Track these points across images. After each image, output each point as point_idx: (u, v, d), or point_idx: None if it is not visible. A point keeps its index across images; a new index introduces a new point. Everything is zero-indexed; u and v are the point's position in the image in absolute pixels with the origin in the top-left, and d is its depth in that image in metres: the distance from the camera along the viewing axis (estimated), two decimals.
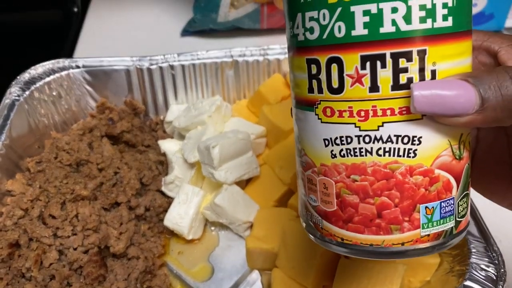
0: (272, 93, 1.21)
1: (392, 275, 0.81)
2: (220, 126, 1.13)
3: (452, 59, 0.43)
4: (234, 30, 1.64)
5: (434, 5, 0.43)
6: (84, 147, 1.07)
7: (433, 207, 0.48)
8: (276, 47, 1.27)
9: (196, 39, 1.67)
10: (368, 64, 0.44)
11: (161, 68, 1.25)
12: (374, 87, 0.45)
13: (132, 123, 1.20)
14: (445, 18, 0.43)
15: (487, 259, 0.81)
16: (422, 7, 0.43)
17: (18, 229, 0.91)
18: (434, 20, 0.43)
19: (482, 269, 0.79)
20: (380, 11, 0.43)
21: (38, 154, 1.12)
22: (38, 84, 1.18)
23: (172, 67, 1.25)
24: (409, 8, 0.43)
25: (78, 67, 1.22)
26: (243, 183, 1.08)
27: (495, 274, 0.78)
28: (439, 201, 0.48)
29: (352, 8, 0.44)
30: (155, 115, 1.31)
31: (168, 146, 1.13)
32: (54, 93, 1.20)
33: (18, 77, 1.18)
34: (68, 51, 1.56)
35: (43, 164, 1.05)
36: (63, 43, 1.59)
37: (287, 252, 0.90)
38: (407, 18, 0.43)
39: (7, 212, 0.94)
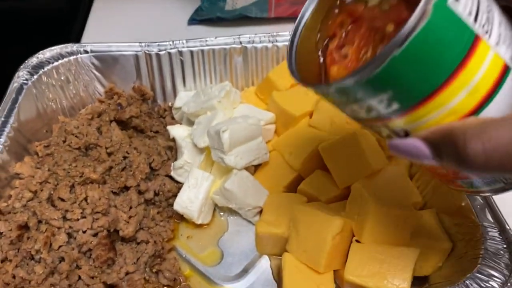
0: (282, 80, 1.20)
1: (405, 259, 0.80)
2: (229, 111, 1.12)
3: (420, 119, 0.47)
4: (241, 18, 1.63)
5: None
6: (93, 131, 1.06)
7: None
8: (285, 34, 1.26)
9: (203, 28, 1.66)
10: None
11: (169, 54, 1.24)
12: None
13: (140, 109, 1.19)
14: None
15: (501, 245, 0.80)
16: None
17: (27, 211, 0.91)
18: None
19: (497, 255, 0.78)
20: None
21: (46, 138, 1.11)
22: (46, 69, 1.17)
23: (180, 53, 1.24)
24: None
25: (86, 52, 1.22)
26: (252, 169, 1.08)
27: (511, 259, 0.77)
28: None
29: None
30: (163, 101, 1.30)
31: (177, 131, 1.12)
32: (62, 78, 1.19)
33: (26, 61, 1.18)
34: (75, 37, 1.55)
35: (51, 147, 1.04)
36: (70, 28, 1.59)
37: (298, 236, 0.89)
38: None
39: (16, 194, 0.94)
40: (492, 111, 0.47)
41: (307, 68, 0.61)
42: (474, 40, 0.44)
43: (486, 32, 0.45)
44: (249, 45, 1.25)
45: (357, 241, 0.86)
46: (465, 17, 0.43)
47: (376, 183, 0.95)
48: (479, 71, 0.45)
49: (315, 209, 0.89)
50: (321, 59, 0.61)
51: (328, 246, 0.84)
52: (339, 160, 0.97)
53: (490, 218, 0.84)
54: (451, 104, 0.45)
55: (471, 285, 0.73)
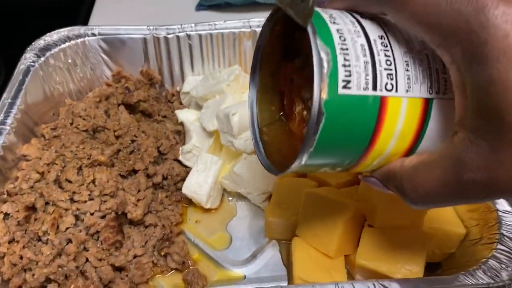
0: None
1: (418, 243, 0.79)
2: (238, 95, 1.11)
3: (371, 164, 0.52)
4: (250, 4, 1.61)
5: None
6: (101, 114, 1.05)
7: None
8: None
9: (211, 14, 1.64)
10: None
11: (178, 37, 1.22)
12: None
13: (148, 93, 1.18)
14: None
15: None
16: None
17: (34, 192, 0.90)
18: None
19: None
20: None
21: (53, 121, 1.10)
22: (53, 51, 1.15)
23: (189, 36, 1.22)
24: None
25: (94, 34, 1.20)
26: None
27: None
28: None
29: None
30: (171, 86, 1.28)
31: (185, 115, 1.10)
32: (69, 61, 1.18)
33: (33, 43, 1.16)
34: (82, 20, 1.54)
35: (58, 130, 1.03)
36: (78, 11, 1.57)
37: (308, 221, 0.88)
38: None
39: (23, 176, 0.93)
40: (426, 144, 0.51)
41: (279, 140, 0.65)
42: (380, 103, 0.47)
43: (391, 89, 0.47)
44: (258, 29, 1.23)
45: (369, 225, 0.84)
46: (362, 93, 0.46)
47: None
48: (398, 121, 0.48)
49: (326, 193, 0.87)
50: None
51: (340, 230, 0.83)
52: None
53: (506, 204, 0.82)
54: (387, 152, 0.50)
55: (488, 270, 0.71)
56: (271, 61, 0.64)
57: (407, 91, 0.48)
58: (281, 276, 0.91)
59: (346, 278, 0.84)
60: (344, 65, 0.45)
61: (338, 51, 0.45)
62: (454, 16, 0.40)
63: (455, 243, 0.86)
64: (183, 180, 1.02)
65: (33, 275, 0.81)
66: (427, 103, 0.49)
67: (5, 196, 0.90)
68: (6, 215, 0.88)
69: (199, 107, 1.15)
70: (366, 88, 0.46)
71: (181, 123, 1.11)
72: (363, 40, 0.48)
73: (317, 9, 0.51)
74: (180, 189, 1.00)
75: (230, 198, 1.05)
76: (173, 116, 1.18)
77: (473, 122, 0.42)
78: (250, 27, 1.23)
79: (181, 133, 1.12)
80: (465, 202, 0.47)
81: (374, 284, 0.70)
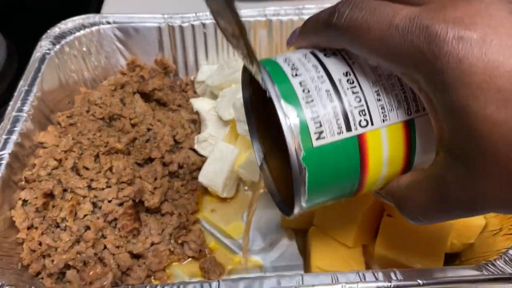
0: None
1: (439, 234, 0.79)
2: None
3: (373, 187, 0.54)
4: None
5: None
6: (117, 102, 1.05)
7: None
8: (312, 7, 1.23)
9: None
10: None
11: (193, 26, 1.21)
12: None
13: (162, 82, 1.18)
14: None
15: None
16: None
17: (52, 179, 0.90)
18: None
19: None
20: None
21: (68, 109, 1.10)
22: (68, 39, 1.15)
23: (204, 25, 1.21)
24: None
25: (108, 23, 1.19)
26: None
27: None
28: None
29: None
30: (185, 75, 1.28)
31: (201, 104, 1.10)
32: (84, 49, 1.18)
33: (48, 31, 1.16)
34: (95, 7, 1.53)
35: (74, 117, 1.03)
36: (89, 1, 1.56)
37: (326, 210, 0.87)
38: None
39: (40, 163, 0.93)
40: (420, 160, 0.51)
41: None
42: (359, 141, 0.47)
43: (366, 125, 0.47)
44: (274, 18, 1.22)
45: (388, 215, 0.84)
46: (337, 138, 0.47)
47: None
48: (383, 151, 0.48)
49: None
50: None
51: (358, 220, 0.83)
52: None
53: None
54: (382, 177, 0.51)
55: (507, 263, 0.71)
56: (257, 106, 0.66)
57: (383, 120, 0.48)
58: (298, 265, 0.90)
59: (364, 268, 0.83)
60: (313, 118, 0.46)
61: (304, 106, 0.46)
62: (408, 47, 0.40)
63: (474, 233, 0.85)
64: (199, 169, 1.01)
65: (52, 261, 0.81)
66: (408, 124, 0.49)
67: (23, 183, 0.91)
68: (25, 201, 0.88)
69: (213, 96, 1.15)
70: (340, 133, 0.46)
71: (196, 112, 1.11)
72: (327, 85, 0.48)
73: (279, 59, 0.52)
74: (196, 178, 1.00)
75: (246, 188, 1.04)
76: (187, 105, 1.18)
77: (448, 145, 0.42)
78: (266, 15, 1.22)
79: (196, 122, 1.12)
80: (457, 218, 0.48)
81: (395, 273, 0.69)
